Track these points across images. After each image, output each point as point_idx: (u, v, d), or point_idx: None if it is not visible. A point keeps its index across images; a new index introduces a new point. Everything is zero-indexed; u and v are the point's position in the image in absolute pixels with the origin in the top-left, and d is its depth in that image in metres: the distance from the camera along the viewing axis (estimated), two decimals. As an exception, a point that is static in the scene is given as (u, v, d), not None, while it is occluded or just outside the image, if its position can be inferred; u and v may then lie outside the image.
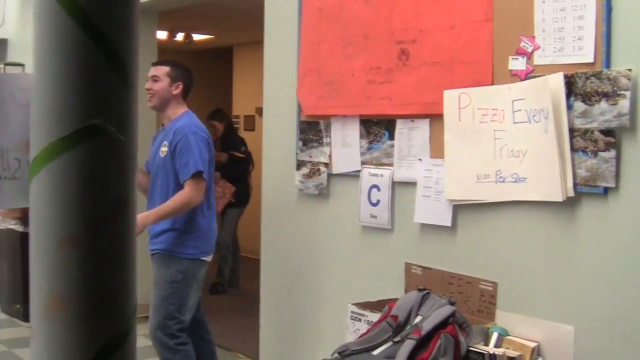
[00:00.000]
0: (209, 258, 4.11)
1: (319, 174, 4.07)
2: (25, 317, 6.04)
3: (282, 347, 4.42)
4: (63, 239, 1.05)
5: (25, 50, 7.59)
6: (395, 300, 3.12)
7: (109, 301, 1.09)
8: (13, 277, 6.25)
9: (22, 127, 1.62)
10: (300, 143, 4.18)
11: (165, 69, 4.12)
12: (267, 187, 4.50)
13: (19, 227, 6.09)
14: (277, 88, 4.40)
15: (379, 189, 3.74)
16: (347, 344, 2.98)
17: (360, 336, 3.03)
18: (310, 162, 4.13)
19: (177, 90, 4.09)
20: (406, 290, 3.50)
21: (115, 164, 1.08)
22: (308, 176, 4.13)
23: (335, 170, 4.00)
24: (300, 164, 4.19)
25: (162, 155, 3.96)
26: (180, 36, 9.04)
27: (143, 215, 3.82)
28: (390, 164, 3.70)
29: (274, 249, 4.46)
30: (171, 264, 3.95)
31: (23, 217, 6.02)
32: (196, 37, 9.21)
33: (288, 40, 4.28)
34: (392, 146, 3.69)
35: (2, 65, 7.15)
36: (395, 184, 3.69)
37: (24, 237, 6.05)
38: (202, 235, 4.03)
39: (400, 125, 3.65)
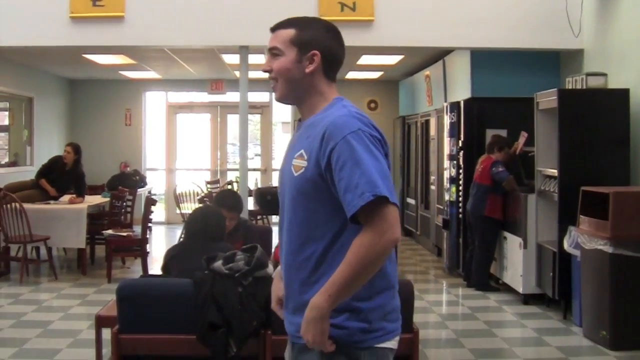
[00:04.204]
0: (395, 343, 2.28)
1: None
2: (610, 345, 5.60)
3: None
4: None
5: (605, 59, 7.17)
6: None
7: None
8: (599, 301, 5.82)
9: None
10: None
11: (287, 34, 2.32)
12: None
13: (608, 248, 5.63)
14: None
15: None
16: None
17: None
18: None
19: (312, 65, 2.32)
20: None
21: None
22: None
23: None
24: None
25: (295, 173, 2.23)
26: None
27: (313, 306, 2.11)
28: None
29: None
30: None
31: (613, 237, 5.55)
32: None
33: None
34: None
35: (583, 76, 6.85)
36: None
37: (613, 259, 5.59)
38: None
39: None
